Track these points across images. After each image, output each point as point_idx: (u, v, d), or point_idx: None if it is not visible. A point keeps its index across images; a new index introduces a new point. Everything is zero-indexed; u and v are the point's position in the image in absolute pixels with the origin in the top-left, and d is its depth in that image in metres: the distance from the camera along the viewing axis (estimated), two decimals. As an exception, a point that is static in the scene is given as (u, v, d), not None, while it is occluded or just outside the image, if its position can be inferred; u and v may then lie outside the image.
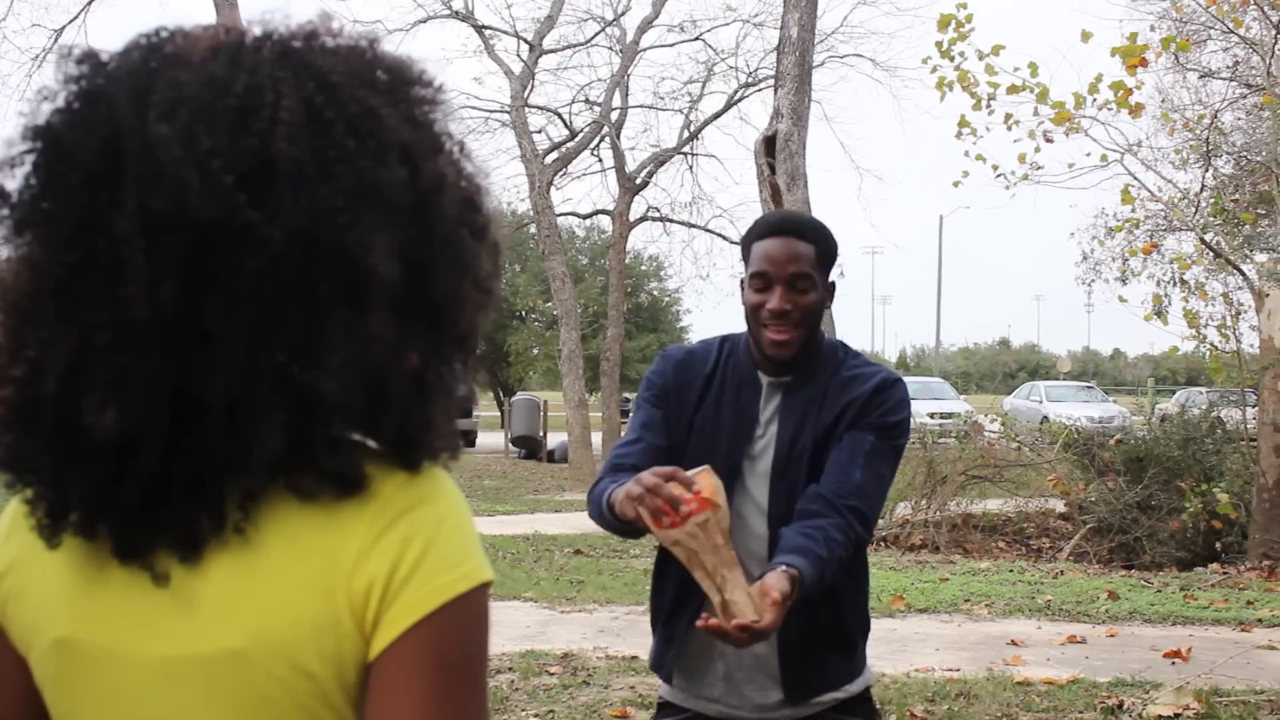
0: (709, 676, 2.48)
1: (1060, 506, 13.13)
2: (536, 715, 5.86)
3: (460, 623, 1.01)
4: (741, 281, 2.48)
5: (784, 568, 2.15)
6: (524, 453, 25.55)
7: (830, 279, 2.48)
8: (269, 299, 0.97)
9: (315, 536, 1.01)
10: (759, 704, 2.47)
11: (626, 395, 24.23)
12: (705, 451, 2.41)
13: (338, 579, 1.00)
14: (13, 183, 1.00)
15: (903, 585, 9.42)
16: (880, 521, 12.77)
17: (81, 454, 0.98)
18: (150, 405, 0.96)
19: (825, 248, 2.43)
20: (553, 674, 6.70)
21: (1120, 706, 5.95)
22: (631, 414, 2.59)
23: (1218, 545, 11.04)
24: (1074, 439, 13.28)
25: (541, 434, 25.14)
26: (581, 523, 14.10)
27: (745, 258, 2.47)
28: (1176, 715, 5.75)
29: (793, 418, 2.42)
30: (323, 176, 0.98)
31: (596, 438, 20.81)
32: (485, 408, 34.20)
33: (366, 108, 1.01)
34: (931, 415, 19.72)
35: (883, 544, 12.09)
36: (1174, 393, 22.98)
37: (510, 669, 6.77)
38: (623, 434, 2.57)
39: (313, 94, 1.00)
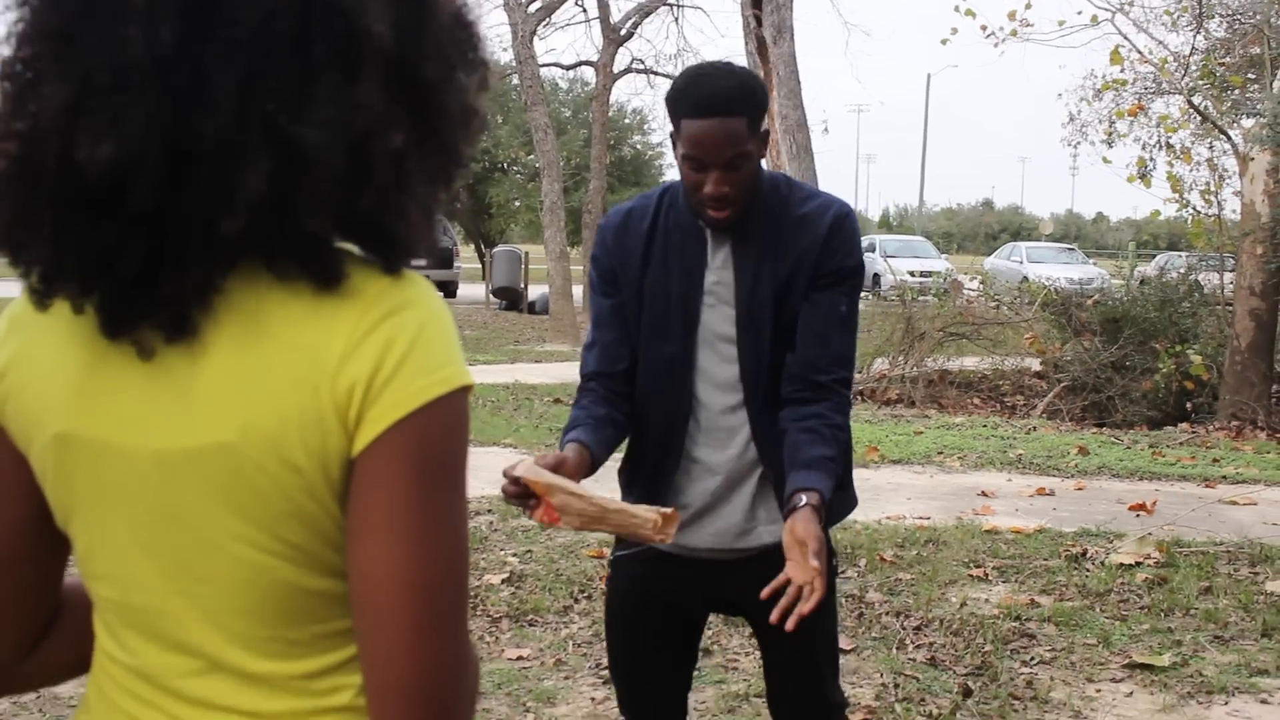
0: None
1: (1036, 365, 13.28)
2: (514, 555, 5.98)
3: (440, 423, 1.05)
4: (672, 136, 2.36)
5: (806, 502, 2.23)
6: (505, 304, 25.57)
7: (764, 129, 2.35)
8: (264, 51, 1.00)
9: (301, 335, 1.04)
10: (718, 540, 2.50)
11: (608, 249, 23.96)
12: (660, 317, 2.43)
13: (323, 378, 1.03)
14: None
15: (878, 437, 9.56)
16: (857, 376, 12.91)
17: (81, 211, 1.01)
18: (144, 142, 0.98)
19: (756, 110, 2.30)
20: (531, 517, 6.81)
21: (1084, 555, 6.11)
22: (589, 302, 2.54)
23: (1188, 406, 11.21)
24: (1052, 299, 13.38)
25: (523, 286, 25.13)
26: (561, 372, 14.22)
27: (674, 125, 2.33)
28: (1138, 563, 5.91)
29: (748, 269, 2.39)
30: None
31: (578, 290, 20.78)
32: (466, 259, 34.09)
33: None
34: (912, 273, 19.78)
35: (859, 398, 12.22)
36: (1155, 256, 23.02)
37: (489, 511, 6.89)
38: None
39: None
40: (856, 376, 12.84)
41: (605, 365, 2.49)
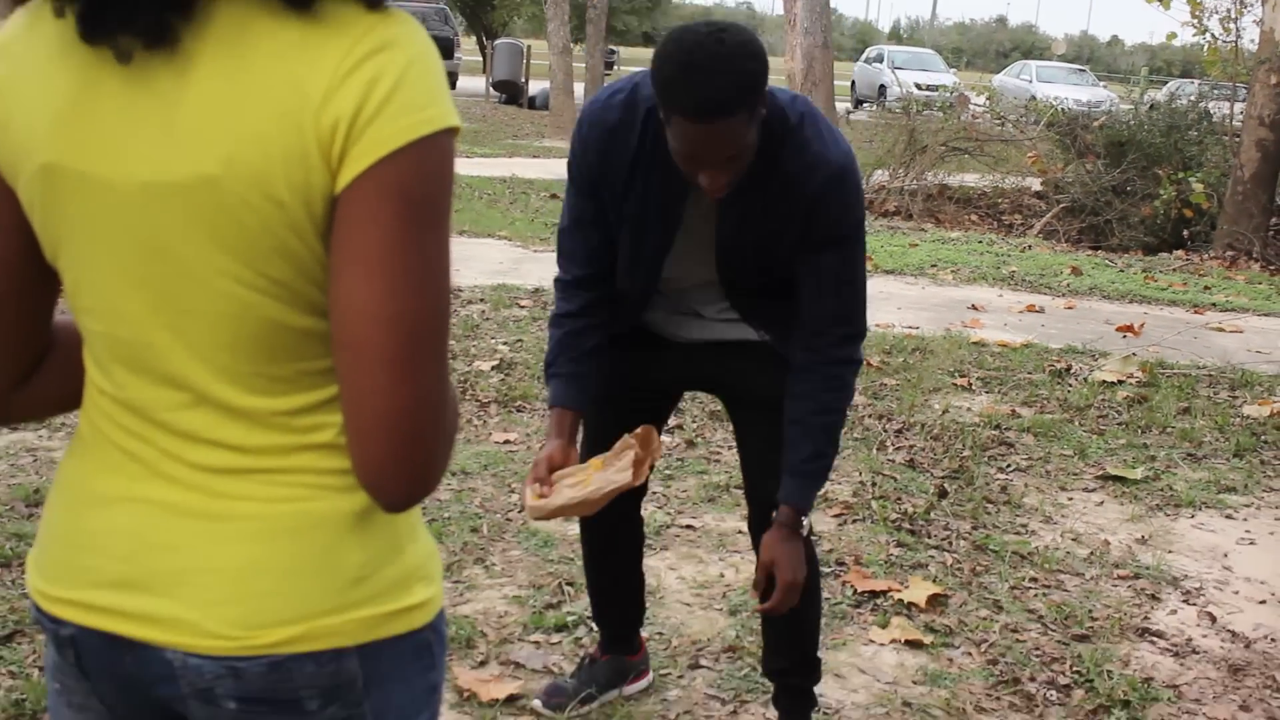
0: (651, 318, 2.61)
1: (1036, 185, 13.19)
2: (505, 343, 6.04)
3: (424, 163, 1.04)
4: (662, 111, 2.14)
5: (779, 520, 2.42)
6: (505, 97, 25.21)
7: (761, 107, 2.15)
8: None
9: (287, 68, 1.02)
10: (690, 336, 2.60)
11: (611, 48, 23.65)
12: (634, 245, 2.40)
13: (307, 113, 1.02)
14: None
15: (873, 247, 9.55)
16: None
17: None
18: None
19: (752, 101, 2.08)
20: (523, 307, 6.86)
21: (1068, 370, 6.18)
22: (566, 189, 2.47)
23: (1185, 233, 11.20)
24: (1058, 119, 13.22)
25: (523, 80, 24.74)
26: (558, 169, 14.09)
27: (663, 112, 2.12)
28: (1120, 381, 5.98)
29: (732, 217, 2.33)
30: None
31: (579, 87, 20.49)
32: (468, 51, 33.44)
33: None
34: (919, 86, 19.46)
35: (856, 209, 12.17)
36: (1166, 83, 22.64)
37: (482, 300, 6.93)
38: (562, 214, 2.50)
39: None
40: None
41: (580, 266, 2.46)
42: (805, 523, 2.44)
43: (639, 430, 2.35)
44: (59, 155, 1.08)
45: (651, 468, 2.38)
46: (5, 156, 1.11)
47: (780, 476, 2.45)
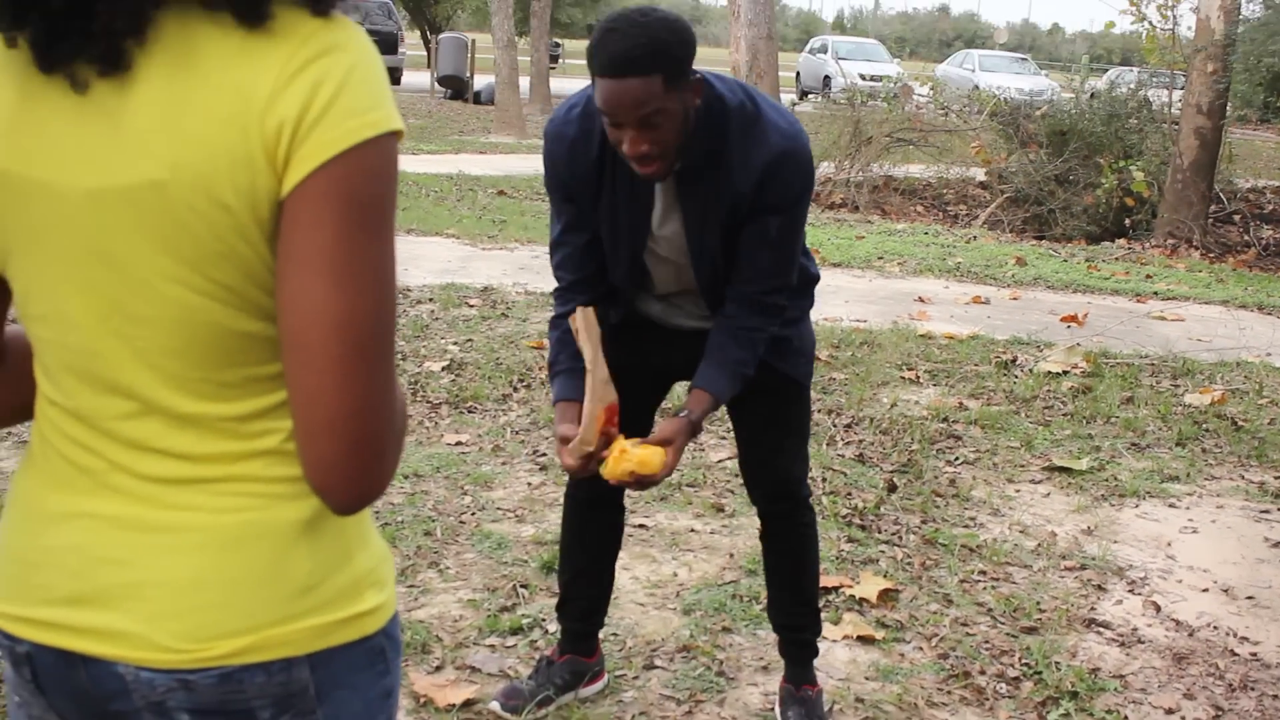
0: (646, 308, 2.69)
1: (980, 175, 13.31)
2: (455, 343, 6.03)
3: (368, 165, 1.05)
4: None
5: (688, 415, 2.47)
6: (450, 93, 25.08)
7: (694, 75, 2.26)
8: None
9: (231, 73, 1.03)
10: (694, 326, 2.66)
11: (556, 40, 23.59)
12: (610, 245, 2.51)
13: (251, 117, 1.03)
14: None
15: (819, 240, 9.61)
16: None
17: None
18: None
19: (671, 66, 2.18)
20: (472, 306, 6.85)
21: (1014, 361, 6.25)
22: (549, 199, 2.58)
23: (1127, 222, 11.34)
24: (1001, 109, 13.33)
25: (468, 74, 24.62)
26: (505, 164, 14.09)
27: (591, 77, 2.25)
28: (1065, 372, 6.06)
29: (695, 208, 2.42)
30: None
31: (524, 81, 20.44)
32: (411, 46, 33.24)
33: None
34: (863, 76, 19.55)
35: (803, 202, 12.23)
36: (1107, 71, 22.87)
37: (431, 300, 6.91)
38: (551, 226, 2.61)
39: None
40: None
41: (574, 271, 2.57)
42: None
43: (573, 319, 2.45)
44: (6, 163, 1.08)
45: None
46: None
47: (776, 447, 2.70)
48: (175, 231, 1.05)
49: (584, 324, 2.39)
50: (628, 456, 2.39)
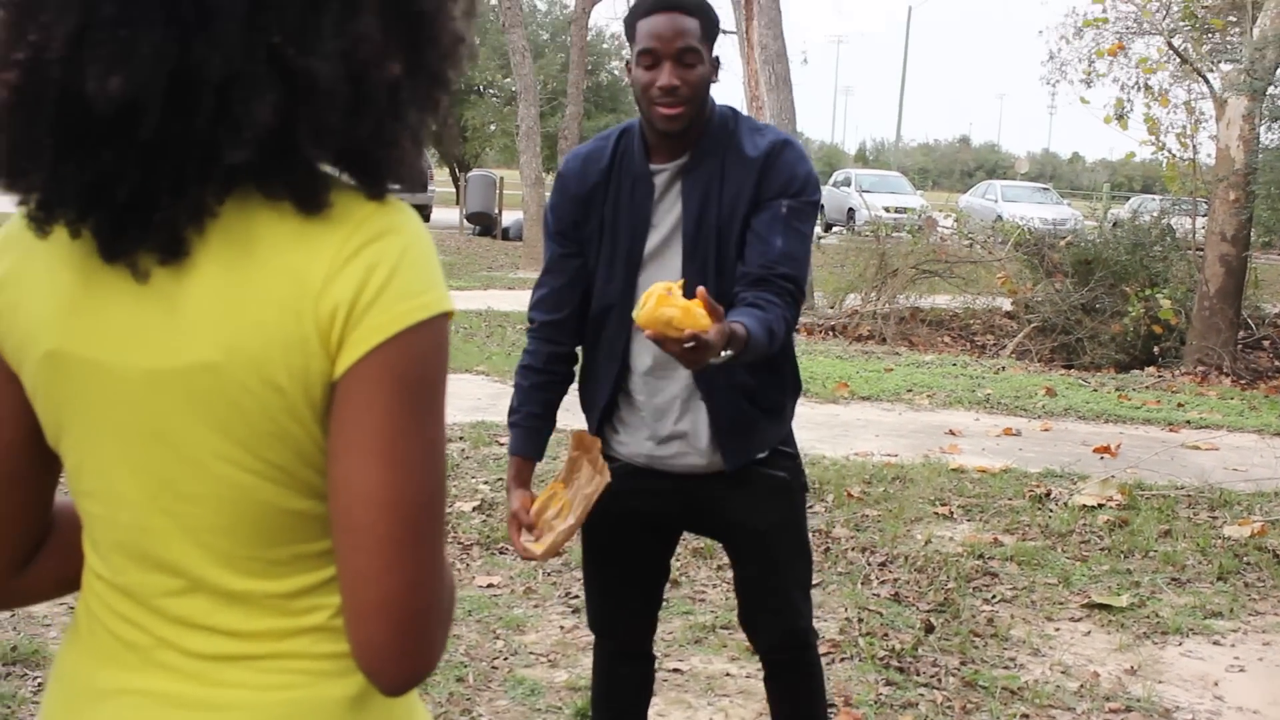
0: (632, 446, 2.62)
1: (1007, 305, 13.35)
2: (486, 483, 6.03)
3: (420, 348, 1.07)
4: (628, 63, 2.50)
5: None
6: (479, 229, 25.45)
7: (715, 55, 2.49)
8: None
9: (287, 258, 1.06)
10: (685, 467, 2.60)
11: (583, 176, 23.79)
12: (608, 250, 2.53)
13: (306, 300, 1.05)
14: None
15: (848, 373, 9.62)
16: (830, 311, 12.97)
17: (82, 138, 1.02)
18: (153, 74, 0.99)
19: (708, 21, 2.45)
20: (502, 444, 6.86)
21: (1048, 495, 6.20)
22: (544, 244, 2.68)
23: (1156, 350, 11.32)
24: (1025, 239, 13.42)
25: (497, 211, 25.00)
26: (534, 301, 14.18)
27: (630, 37, 2.47)
28: (1100, 505, 6.00)
29: (695, 198, 2.48)
30: None
31: (552, 217, 20.72)
32: (441, 183, 33.84)
33: None
34: (887, 209, 19.77)
35: (830, 333, 12.29)
36: (1129, 199, 23.07)
37: (461, 438, 6.93)
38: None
39: None
40: (828, 311, 12.92)
41: (548, 312, 2.62)
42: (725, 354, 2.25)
43: (572, 437, 2.54)
44: (64, 342, 1.10)
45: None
46: (11, 343, 1.14)
47: (777, 593, 2.63)
48: (228, 412, 1.07)
49: (582, 447, 2.45)
50: (674, 301, 2.05)
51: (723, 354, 2.13)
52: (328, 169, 1.10)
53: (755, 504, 2.61)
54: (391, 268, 1.06)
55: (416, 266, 1.08)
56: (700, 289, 2.09)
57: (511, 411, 2.64)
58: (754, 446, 2.59)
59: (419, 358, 1.07)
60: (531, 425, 2.62)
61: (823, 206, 31.71)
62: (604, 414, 2.61)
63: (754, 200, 2.44)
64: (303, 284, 1.05)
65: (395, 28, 1.07)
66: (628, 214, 2.51)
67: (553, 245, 2.61)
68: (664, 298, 2.04)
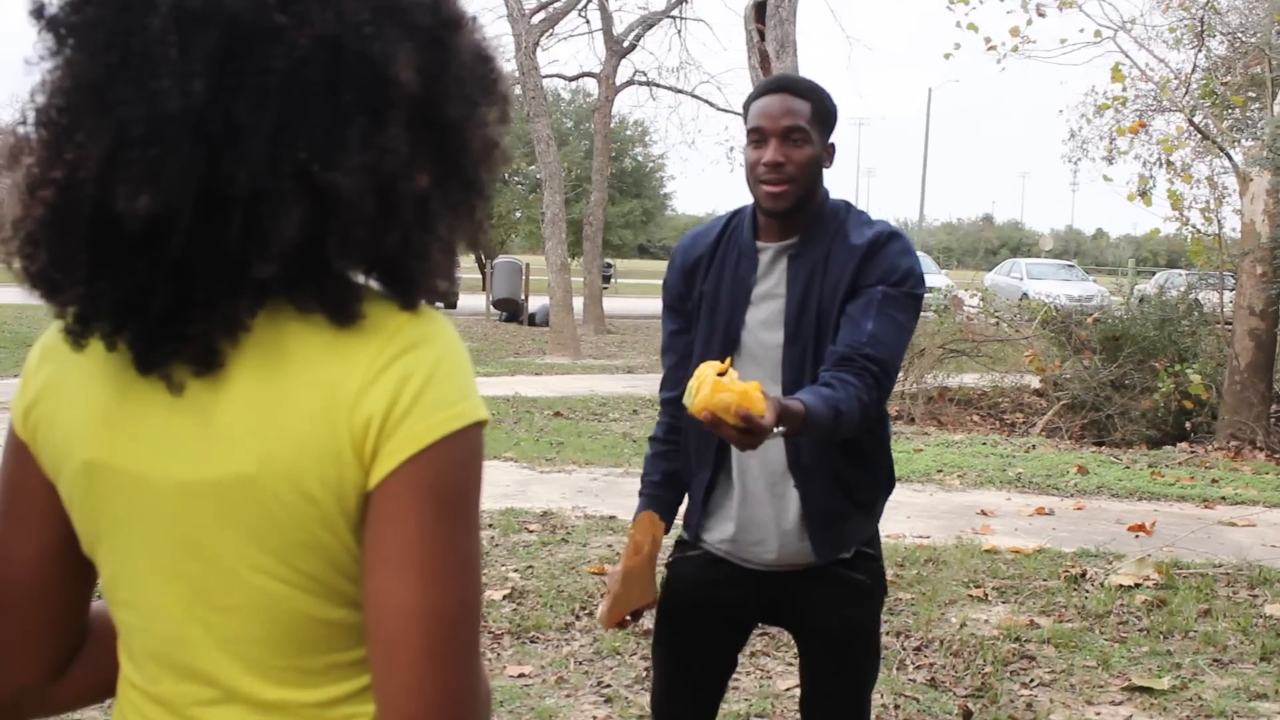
0: (719, 532, 2.58)
1: (1035, 383, 13.29)
2: (516, 570, 6.00)
3: (453, 458, 1.08)
4: (745, 151, 2.54)
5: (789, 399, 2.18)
6: (505, 315, 25.57)
7: (830, 141, 2.53)
8: (294, 100, 1.03)
9: (321, 370, 1.07)
10: (768, 563, 2.56)
11: (608, 260, 24.22)
12: (707, 321, 2.54)
13: (340, 411, 1.06)
14: (54, 4, 1.05)
15: (877, 455, 9.55)
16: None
17: (115, 254, 1.04)
18: (181, 192, 1.01)
19: (822, 106, 2.49)
20: (532, 531, 6.84)
21: (1083, 575, 6.13)
22: (662, 317, 2.76)
23: (1187, 425, 11.22)
24: (1052, 316, 13.39)
25: (523, 297, 25.14)
26: (561, 385, 14.23)
27: (745, 120, 2.54)
28: (1137, 585, 5.92)
29: (799, 283, 2.48)
30: None
31: (578, 302, 20.84)
32: (467, 270, 34.12)
33: None
34: (912, 289, 19.71)
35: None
36: (1154, 274, 23.04)
37: (491, 525, 6.91)
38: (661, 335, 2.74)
39: None
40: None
41: (669, 389, 2.68)
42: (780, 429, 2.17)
43: (638, 520, 2.58)
44: (99, 452, 1.11)
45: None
46: (48, 454, 1.15)
47: (843, 696, 2.60)
48: (263, 523, 1.07)
49: (643, 529, 2.50)
50: (730, 386, 2.02)
51: (775, 430, 2.10)
52: (360, 278, 1.11)
53: (835, 607, 2.55)
54: (425, 378, 1.07)
55: (450, 377, 1.09)
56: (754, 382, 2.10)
57: (642, 478, 2.70)
58: (843, 540, 2.54)
59: (453, 468, 1.07)
60: (653, 494, 2.66)
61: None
62: (700, 493, 2.59)
63: (853, 286, 2.43)
64: (336, 395, 1.06)
65: (424, 138, 1.08)
66: (729, 286, 2.53)
67: (667, 323, 2.69)
68: (719, 383, 2.02)
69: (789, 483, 2.50)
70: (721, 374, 2.04)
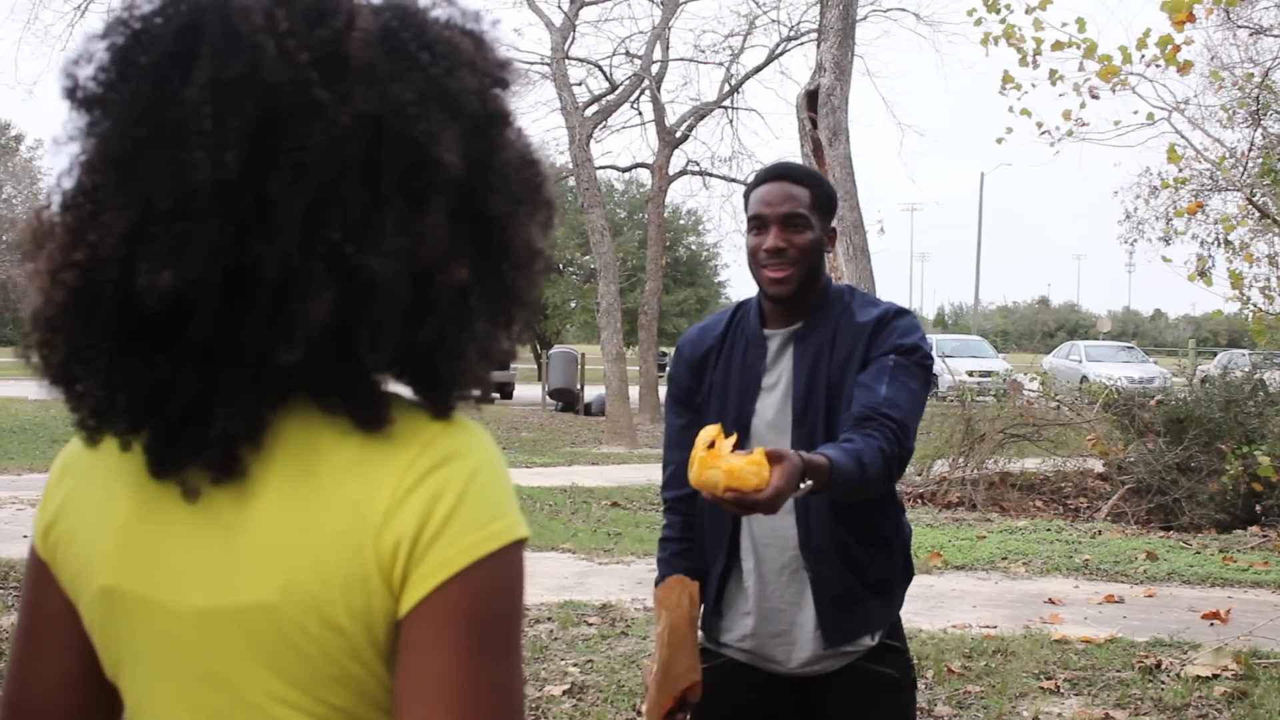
0: (737, 630, 2.54)
1: (1099, 466, 13.06)
2: (575, 665, 5.92)
3: (490, 582, 1.01)
4: (746, 237, 2.55)
5: (811, 456, 2.11)
6: (561, 405, 25.65)
7: (831, 225, 2.54)
8: (331, 178, 0.97)
9: (347, 487, 1.01)
10: (789, 669, 2.51)
11: (664, 349, 24.25)
12: (717, 411, 2.53)
13: (366, 535, 1.00)
14: (86, 71, 1.01)
15: (940, 542, 9.42)
16: (917, 479, 12.77)
17: (136, 344, 0.98)
18: (207, 269, 0.95)
19: (820, 193, 2.50)
20: (591, 624, 6.76)
21: (1158, 666, 5.95)
22: (665, 415, 2.73)
23: (1258, 508, 10.96)
24: (1114, 399, 13.20)
25: (579, 387, 25.22)
26: (618, 475, 14.18)
27: (746, 209, 2.55)
28: (1215, 676, 5.74)
29: (806, 363, 2.47)
30: (394, 77, 0.99)
31: (634, 391, 20.84)
32: (523, 360, 34.28)
33: (443, 35, 1.04)
34: (970, 373, 19.65)
35: (920, 501, 12.08)
36: (1215, 354, 22.75)
37: (549, 619, 6.83)
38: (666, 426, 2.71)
39: (389, 19, 1.02)
40: (916, 479, 12.73)
41: (676, 489, 2.62)
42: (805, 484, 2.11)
43: (665, 585, 2.46)
44: (118, 578, 1.07)
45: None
46: (69, 574, 1.11)
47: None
48: (286, 654, 1.02)
49: (672, 593, 2.40)
50: (716, 462, 1.97)
51: (802, 485, 2.06)
52: (390, 388, 1.06)
53: (865, 705, 2.50)
54: (458, 496, 1.01)
55: (485, 493, 1.02)
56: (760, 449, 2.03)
57: (655, 585, 2.59)
58: (858, 627, 2.48)
59: (489, 593, 1.01)
60: (672, 562, 2.62)
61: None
62: (714, 588, 2.54)
63: (863, 360, 2.42)
64: (363, 518, 1.00)
65: (464, 231, 1.02)
66: (739, 375, 2.53)
67: (672, 417, 2.65)
68: (705, 460, 1.98)
69: (800, 566, 2.48)
70: (711, 445, 2.00)
